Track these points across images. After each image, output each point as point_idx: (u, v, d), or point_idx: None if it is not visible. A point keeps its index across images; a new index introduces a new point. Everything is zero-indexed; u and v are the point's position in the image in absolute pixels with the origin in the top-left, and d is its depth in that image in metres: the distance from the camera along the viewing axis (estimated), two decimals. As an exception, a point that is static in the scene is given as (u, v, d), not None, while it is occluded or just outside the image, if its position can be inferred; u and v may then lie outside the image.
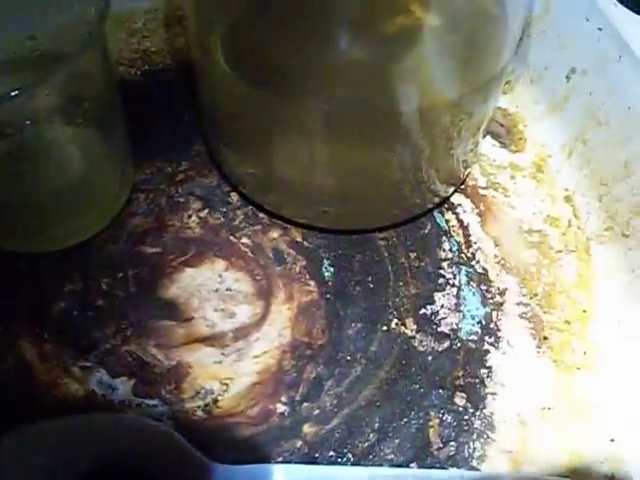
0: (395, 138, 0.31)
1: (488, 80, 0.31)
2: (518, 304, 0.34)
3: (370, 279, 0.34)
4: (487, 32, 0.31)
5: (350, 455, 0.30)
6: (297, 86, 0.30)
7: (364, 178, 0.33)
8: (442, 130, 0.31)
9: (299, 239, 0.35)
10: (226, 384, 0.31)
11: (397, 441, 0.30)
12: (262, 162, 0.33)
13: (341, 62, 0.30)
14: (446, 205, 0.37)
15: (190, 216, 0.35)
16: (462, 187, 0.37)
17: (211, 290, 0.33)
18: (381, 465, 0.29)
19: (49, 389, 0.32)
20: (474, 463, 0.30)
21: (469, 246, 0.35)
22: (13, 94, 0.26)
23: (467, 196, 0.37)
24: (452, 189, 0.36)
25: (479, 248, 0.35)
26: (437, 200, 0.35)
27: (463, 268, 0.35)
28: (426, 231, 0.36)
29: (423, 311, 0.33)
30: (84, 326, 0.33)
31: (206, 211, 0.36)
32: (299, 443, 0.30)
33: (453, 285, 0.34)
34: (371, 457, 0.30)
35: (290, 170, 0.33)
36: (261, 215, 0.35)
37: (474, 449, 0.30)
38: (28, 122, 0.33)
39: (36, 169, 0.34)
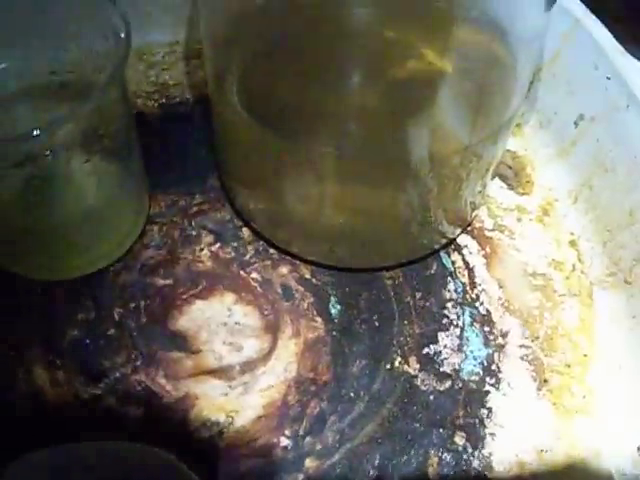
0: (404, 180, 0.32)
1: (499, 125, 0.32)
2: (520, 346, 0.35)
3: (375, 317, 0.35)
4: (499, 79, 0.32)
5: (350, 491, 0.31)
6: (308, 130, 0.31)
7: (372, 219, 0.34)
8: (451, 172, 0.32)
9: (308, 276, 0.36)
10: (232, 416, 0.32)
11: (396, 479, 0.31)
12: (272, 200, 0.35)
13: (352, 107, 0.31)
14: (452, 246, 0.38)
15: (202, 249, 0.36)
16: (469, 228, 0.38)
17: (220, 323, 0.35)
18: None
19: (59, 414, 0.33)
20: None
21: (474, 287, 0.36)
22: (35, 134, 0.27)
23: (473, 237, 0.38)
24: (459, 230, 0.37)
25: (483, 290, 0.36)
26: (444, 241, 0.36)
27: (467, 309, 0.36)
28: (432, 271, 0.37)
29: (426, 350, 0.34)
30: (95, 354, 0.34)
31: (218, 245, 0.37)
32: (301, 477, 0.31)
33: (457, 326, 0.35)
34: (370, 494, 0.31)
35: (299, 209, 0.34)
36: (271, 251, 0.36)
37: (473, 489, 0.31)
38: (47, 153, 0.34)
39: (53, 199, 0.35)
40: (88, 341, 0.34)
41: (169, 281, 0.36)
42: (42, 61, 0.35)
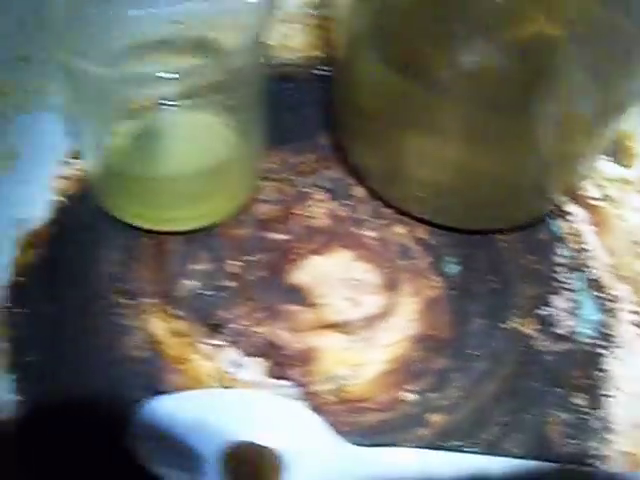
0: (527, 146, 0.32)
1: (627, 97, 0.32)
2: (631, 312, 0.35)
3: (491, 278, 0.35)
4: (625, 50, 0.32)
5: (475, 446, 0.31)
6: (439, 84, 0.31)
7: (492, 181, 0.34)
8: (576, 142, 0.33)
9: (423, 236, 0.36)
10: (355, 370, 0.33)
11: (519, 436, 0.31)
12: (394, 158, 0.35)
13: (482, 65, 0.31)
14: (561, 213, 0.38)
15: (316, 207, 0.37)
16: (576, 197, 0.39)
17: (338, 279, 0.35)
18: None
19: (178, 364, 0.33)
20: (594, 462, 0.31)
21: (583, 253, 0.37)
22: (171, 76, 0.27)
23: (580, 206, 0.39)
24: (568, 198, 0.37)
25: (593, 256, 0.37)
26: (554, 208, 0.37)
27: (578, 274, 0.36)
28: (542, 237, 0.37)
29: (542, 312, 0.35)
30: (214, 306, 0.34)
31: (332, 203, 0.37)
32: (425, 431, 0.31)
33: (569, 289, 0.36)
34: (494, 449, 0.31)
35: (421, 168, 0.34)
36: (386, 210, 0.37)
37: (593, 448, 0.31)
38: (170, 103, 0.34)
39: (172, 151, 0.35)
40: (205, 292, 0.34)
41: (285, 236, 0.36)
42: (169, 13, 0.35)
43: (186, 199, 0.35)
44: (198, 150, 0.35)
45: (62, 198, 0.37)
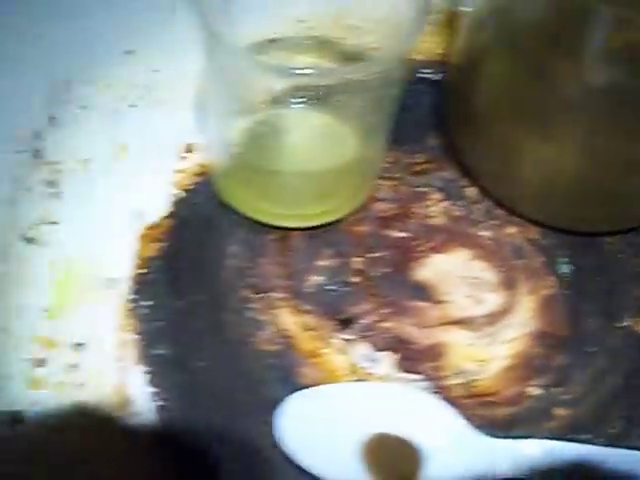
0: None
1: None
2: None
3: (603, 279, 0.37)
4: None
5: (601, 439, 0.32)
6: (566, 95, 0.33)
7: (603, 188, 0.36)
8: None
9: (536, 236, 0.37)
10: (481, 365, 0.34)
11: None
12: (509, 161, 0.36)
13: (610, 82, 0.33)
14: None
15: (432, 206, 0.38)
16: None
17: (458, 277, 0.36)
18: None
19: (311, 358, 0.33)
20: None
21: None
22: (311, 72, 0.28)
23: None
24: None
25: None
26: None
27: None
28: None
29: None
30: (341, 301, 0.35)
31: (446, 203, 0.38)
32: (552, 424, 0.33)
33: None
34: (620, 442, 0.32)
35: (535, 172, 0.36)
36: (498, 211, 0.38)
37: None
38: (299, 100, 0.35)
39: (300, 147, 0.36)
40: (332, 287, 0.35)
41: (405, 234, 0.37)
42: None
43: (310, 196, 0.36)
44: (323, 149, 0.36)
45: (179, 191, 0.38)
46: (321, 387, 0.32)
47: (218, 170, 0.36)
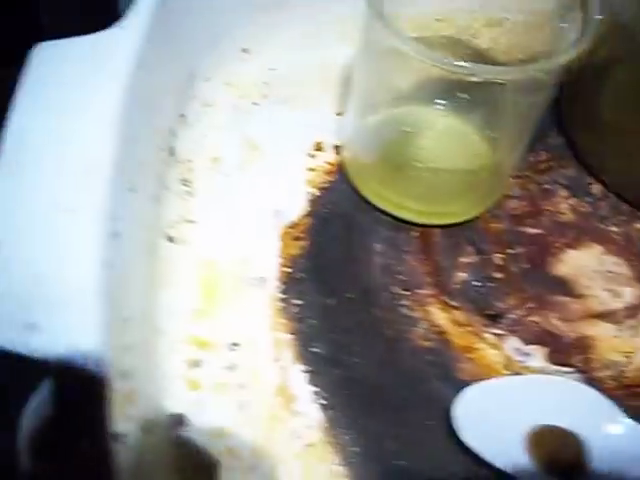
0: None
1: None
2: None
3: None
4: None
5: None
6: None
7: None
8: None
9: (662, 231, 0.38)
10: (628, 357, 0.35)
11: None
12: (635, 162, 0.37)
13: None
14: None
15: (560, 203, 0.38)
16: None
17: (594, 271, 0.37)
18: None
19: (466, 353, 0.34)
20: None
21: None
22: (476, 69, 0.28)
23: None
24: None
25: None
26: None
27: None
28: None
29: None
30: (487, 296, 0.35)
31: (573, 200, 0.39)
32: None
33: None
34: None
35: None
36: (624, 206, 0.39)
37: None
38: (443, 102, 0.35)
39: (443, 145, 0.36)
40: (477, 283, 0.36)
41: (539, 230, 0.37)
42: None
43: (450, 194, 0.36)
44: (461, 151, 0.36)
45: (314, 190, 0.37)
46: (491, 381, 0.32)
47: (356, 167, 0.36)
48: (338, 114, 0.40)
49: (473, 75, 0.29)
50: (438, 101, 0.36)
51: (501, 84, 0.31)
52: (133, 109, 0.31)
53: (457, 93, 0.34)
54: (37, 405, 0.32)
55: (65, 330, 0.25)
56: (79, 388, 0.26)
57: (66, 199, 0.28)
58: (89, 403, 0.26)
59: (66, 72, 0.31)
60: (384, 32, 0.29)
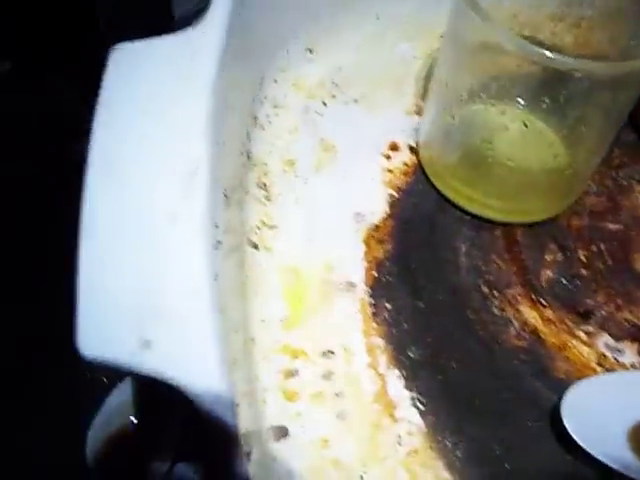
0: None
1: None
2: None
3: None
4: None
5: None
6: None
7: None
8: None
9: None
10: None
11: None
12: None
13: None
14: None
15: (638, 198, 0.38)
16: None
17: (678, 266, 0.36)
18: None
19: (560, 351, 0.33)
20: None
21: None
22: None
23: None
24: None
25: None
26: None
27: None
28: None
29: None
30: (576, 293, 0.35)
31: (649, 194, 0.38)
32: None
33: None
34: None
35: None
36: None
37: None
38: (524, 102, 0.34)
39: (526, 144, 0.35)
40: (564, 281, 0.35)
41: (619, 226, 0.37)
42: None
43: (530, 192, 0.35)
44: (542, 149, 0.35)
45: (392, 191, 0.36)
46: (593, 378, 0.32)
47: (435, 167, 0.35)
48: (410, 113, 0.39)
49: (576, 71, 0.29)
50: (519, 100, 0.34)
51: (591, 81, 0.30)
52: (218, 112, 0.29)
53: (541, 91, 0.33)
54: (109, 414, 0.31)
55: (183, 348, 0.24)
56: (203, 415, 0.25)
57: (168, 206, 0.26)
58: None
59: (149, 75, 0.30)
60: (480, 25, 0.28)
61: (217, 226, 0.28)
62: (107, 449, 0.31)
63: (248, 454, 0.25)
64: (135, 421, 0.29)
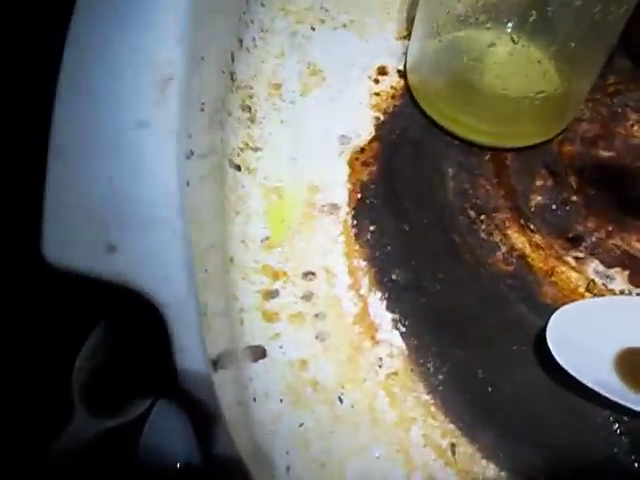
0: None
1: None
2: None
3: None
4: None
5: None
6: None
7: None
8: None
9: None
10: None
11: None
12: None
13: None
14: None
15: (632, 125, 0.35)
16: None
17: (670, 193, 0.33)
18: None
19: (547, 277, 0.30)
20: None
21: None
22: None
23: None
24: None
25: None
26: None
27: None
28: None
29: None
30: (566, 219, 0.32)
31: (644, 121, 0.35)
32: None
33: None
34: None
35: None
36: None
37: None
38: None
39: (508, 69, 0.32)
40: (554, 207, 0.32)
41: (612, 153, 0.34)
42: None
43: (520, 117, 0.32)
44: (532, 74, 0.32)
45: (380, 114, 0.33)
46: (581, 302, 0.29)
47: (424, 91, 0.32)
48: (399, 38, 0.36)
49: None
50: (508, 17, 0.31)
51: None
52: (198, 26, 0.26)
53: (530, 13, 0.30)
54: (91, 351, 0.28)
55: (149, 253, 0.21)
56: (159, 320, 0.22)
57: (140, 113, 0.24)
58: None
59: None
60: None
61: (190, 136, 0.25)
62: (91, 381, 0.29)
63: (215, 363, 0.23)
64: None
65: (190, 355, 0.21)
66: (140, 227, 0.22)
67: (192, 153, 0.25)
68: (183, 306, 0.22)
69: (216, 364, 0.23)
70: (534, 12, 0.30)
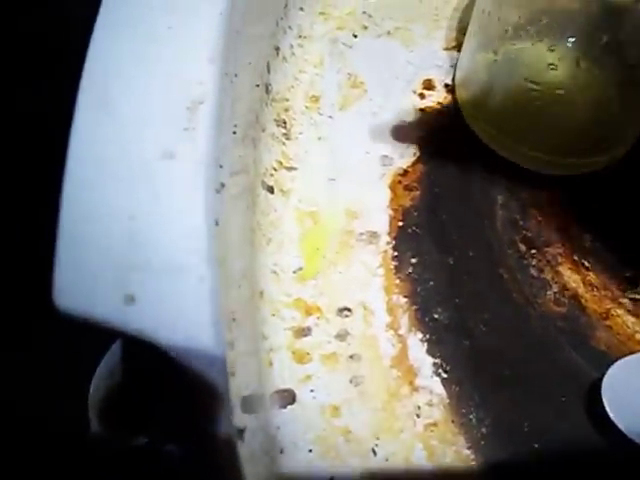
0: None
1: None
2: None
3: None
4: None
5: None
6: None
7: None
8: None
9: None
10: None
11: None
12: None
13: None
14: None
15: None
16: None
17: None
18: None
19: (602, 320, 0.26)
20: None
21: None
22: None
23: None
24: None
25: None
26: None
27: None
28: None
29: None
30: (624, 256, 0.27)
31: None
32: None
33: None
34: None
35: None
36: None
37: None
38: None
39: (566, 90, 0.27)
40: (612, 241, 0.27)
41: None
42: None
43: (577, 143, 0.28)
44: (591, 96, 0.28)
45: (424, 133, 0.29)
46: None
47: (474, 110, 0.27)
48: (448, 49, 0.31)
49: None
50: (571, 36, 0.27)
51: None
52: (230, 39, 0.22)
53: (598, 27, 0.25)
54: (107, 370, 0.25)
55: (172, 306, 0.17)
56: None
57: (165, 142, 0.19)
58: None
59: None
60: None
61: (221, 166, 0.21)
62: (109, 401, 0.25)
63: (241, 431, 0.19)
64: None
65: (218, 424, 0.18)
66: (163, 275, 0.18)
67: (222, 186, 0.21)
68: (209, 371, 0.18)
69: (242, 432, 0.19)
70: (604, 36, 0.25)
